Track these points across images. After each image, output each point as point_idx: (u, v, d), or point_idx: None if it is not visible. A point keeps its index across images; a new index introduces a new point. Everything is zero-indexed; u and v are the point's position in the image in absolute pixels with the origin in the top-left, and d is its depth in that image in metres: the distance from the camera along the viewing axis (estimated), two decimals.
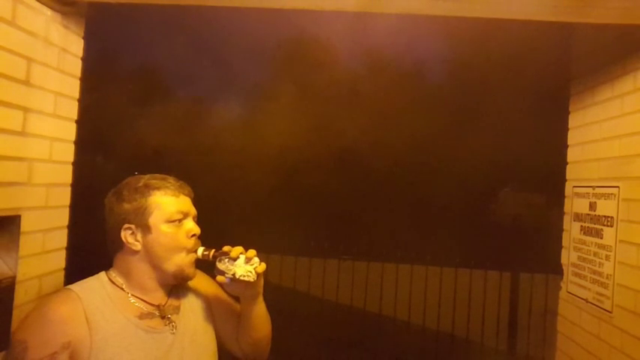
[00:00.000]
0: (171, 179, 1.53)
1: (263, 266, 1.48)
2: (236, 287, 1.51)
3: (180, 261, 1.48)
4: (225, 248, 1.48)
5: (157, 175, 1.54)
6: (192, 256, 1.50)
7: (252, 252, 1.48)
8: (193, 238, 1.50)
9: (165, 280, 1.50)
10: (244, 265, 1.45)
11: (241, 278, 1.45)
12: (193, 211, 1.54)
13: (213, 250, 1.50)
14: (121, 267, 1.48)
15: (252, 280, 1.46)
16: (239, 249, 1.48)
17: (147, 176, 1.52)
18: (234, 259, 1.46)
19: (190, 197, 1.55)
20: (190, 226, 1.50)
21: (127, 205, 1.46)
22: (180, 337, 1.49)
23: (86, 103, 1.91)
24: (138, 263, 1.47)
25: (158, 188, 1.48)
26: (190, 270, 1.51)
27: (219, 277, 1.48)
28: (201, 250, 1.50)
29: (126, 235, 1.46)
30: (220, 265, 1.47)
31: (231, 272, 1.45)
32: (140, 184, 1.49)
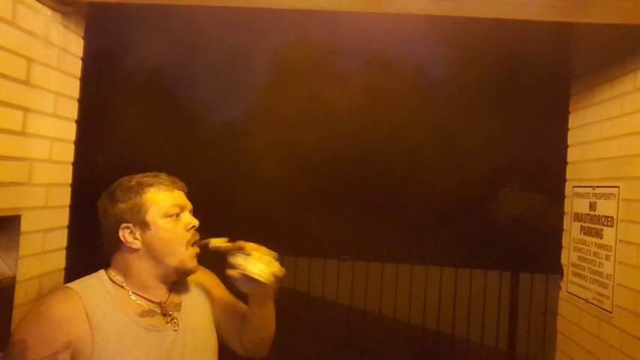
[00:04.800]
0: (163, 175, 1.53)
1: (282, 270, 1.47)
2: (246, 284, 1.49)
3: (181, 255, 1.47)
4: (240, 243, 1.47)
5: (149, 173, 1.53)
6: (193, 250, 1.49)
7: (271, 253, 1.48)
8: (192, 230, 1.50)
9: (167, 277, 1.49)
10: (257, 262, 1.44)
11: (251, 275, 1.43)
12: (189, 205, 1.54)
13: (226, 240, 1.48)
14: (120, 266, 1.48)
15: (262, 280, 1.44)
16: (253, 245, 1.47)
17: (138, 175, 1.52)
18: (248, 255, 1.45)
19: (184, 192, 1.55)
20: (188, 218, 1.50)
21: (122, 205, 1.45)
22: (182, 335, 1.48)
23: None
24: (138, 261, 1.46)
25: (151, 185, 1.48)
26: (192, 264, 1.50)
27: (230, 271, 1.47)
28: (215, 240, 1.49)
29: (124, 235, 1.45)
30: (232, 259, 1.46)
31: (242, 268, 1.44)
32: (133, 182, 1.48)
